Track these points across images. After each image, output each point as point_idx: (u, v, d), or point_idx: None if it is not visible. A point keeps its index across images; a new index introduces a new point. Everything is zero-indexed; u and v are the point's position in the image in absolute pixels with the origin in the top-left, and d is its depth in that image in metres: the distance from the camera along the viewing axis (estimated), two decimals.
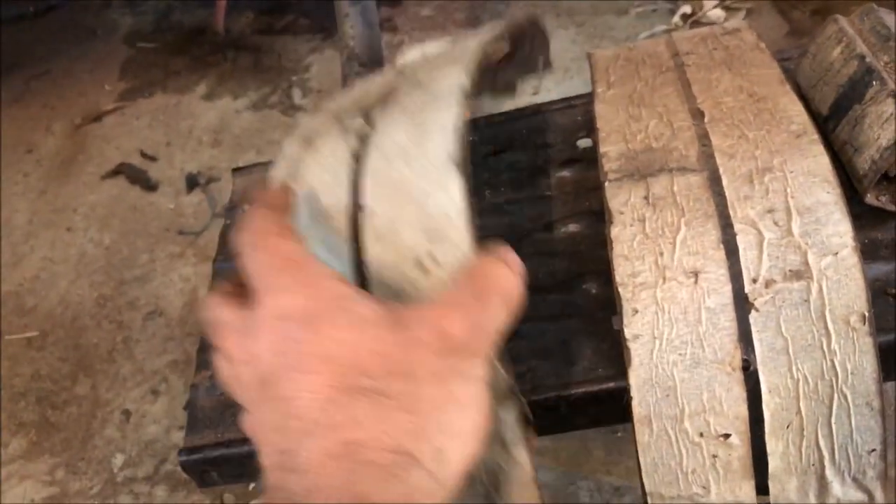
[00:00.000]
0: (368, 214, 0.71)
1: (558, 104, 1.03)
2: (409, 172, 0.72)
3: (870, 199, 0.75)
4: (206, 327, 0.55)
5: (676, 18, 1.94)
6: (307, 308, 0.47)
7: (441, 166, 0.71)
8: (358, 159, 0.76)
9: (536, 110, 1.03)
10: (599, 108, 0.91)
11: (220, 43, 2.70)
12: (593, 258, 0.80)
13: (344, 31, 1.28)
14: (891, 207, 0.75)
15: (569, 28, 2.06)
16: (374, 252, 0.69)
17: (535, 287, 0.84)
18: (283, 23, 2.66)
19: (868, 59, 0.77)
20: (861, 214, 0.77)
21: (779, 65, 0.90)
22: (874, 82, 0.75)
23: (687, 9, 1.94)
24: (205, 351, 0.91)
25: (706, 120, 0.83)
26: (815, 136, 0.77)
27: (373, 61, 1.25)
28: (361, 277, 0.69)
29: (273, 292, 0.49)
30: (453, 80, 0.81)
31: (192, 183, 2.27)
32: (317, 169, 0.79)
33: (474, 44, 0.89)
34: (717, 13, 1.92)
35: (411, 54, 1.17)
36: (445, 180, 0.70)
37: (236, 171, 1.13)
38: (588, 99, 0.96)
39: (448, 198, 0.69)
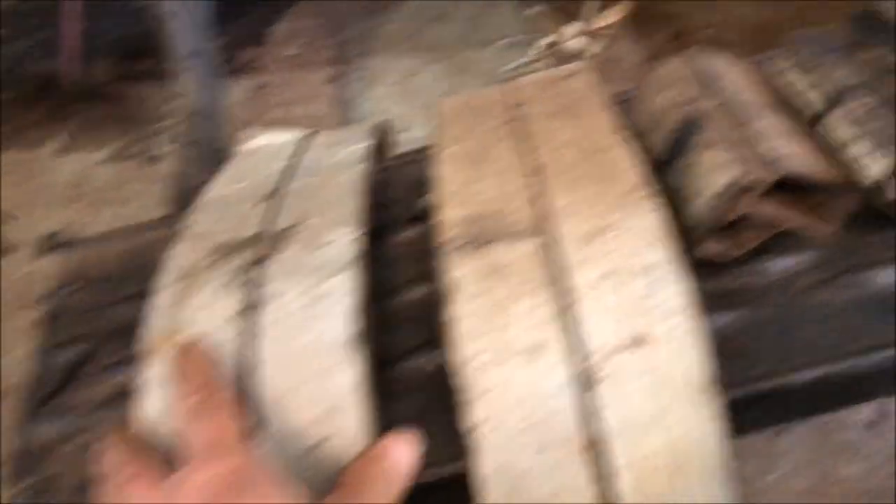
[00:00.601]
0: (261, 387, 0.67)
1: (401, 159, 0.98)
2: (305, 347, 0.69)
3: (705, 249, 0.73)
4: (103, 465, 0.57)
5: (540, 49, 1.94)
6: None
7: (340, 346, 0.69)
8: (246, 318, 0.73)
9: (382, 165, 0.98)
10: (439, 168, 0.86)
11: (75, 91, 2.55)
12: (439, 326, 0.75)
13: (182, 86, 1.20)
14: (727, 256, 0.73)
15: (436, 62, 2.04)
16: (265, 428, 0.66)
17: (377, 362, 0.80)
18: (144, 67, 2.53)
19: (696, 105, 0.76)
20: (701, 264, 0.76)
21: (618, 108, 0.88)
22: (703, 128, 0.74)
23: (549, 39, 1.95)
24: (29, 460, 0.81)
25: (543, 176, 0.80)
26: (650, 191, 0.74)
27: (215, 117, 1.18)
28: None
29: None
30: (346, 242, 0.78)
31: (48, 244, 2.11)
32: (202, 325, 0.73)
33: (360, 179, 0.86)
34: (579, 42, 1.94)
35: (256, 141, 1.12)
36: (344, 361, 0.68)
37: (57, 246, 1.03)
38: (433, 151, 0.92)
39: (347, 380, 0.67)
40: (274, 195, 0.89)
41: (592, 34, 1.96)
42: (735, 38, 1.88)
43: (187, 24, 1.17)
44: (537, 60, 1.91)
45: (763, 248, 0.75)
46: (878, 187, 0.68)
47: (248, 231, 0.83)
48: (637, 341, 0.67)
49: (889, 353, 0.66)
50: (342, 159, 0.94)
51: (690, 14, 1.97)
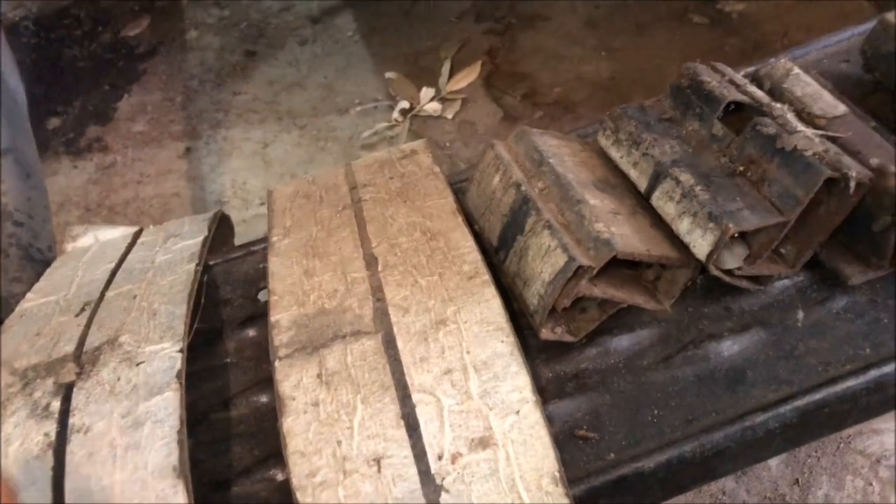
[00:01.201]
0: None
1: (237, 252, 0.93)
2: (124, 479, 0.63)
3: (545, 334, 0.71)
4: None
5: (396, 114, 1.93)
6: None
7: (162, 476, 0.63)
8: (56, 452, 0.66)
9: (213, 261, 0.92)
10: (273, 263, 0.82)
11: None
12: (279, 436, 0.70)
13: None
14: (568, 339, 0.72)
15: (291, 131, 1.99)
16: None
17: (213, 483, 0.73)
18: None
19: (524, 188, 0.75)
20: (544, 347, 0.74)
21: (453, 189, 0.87)
22: (531, 212, 0.73)
23: (405, 104, 1.95)
24: None
25: (380, 267, 0.77)
26: (486, 277, 0.73)
27: (32, 219, 1.08)
28: None
29: None
30: (166, 357, 0.71)
31: None
32: (5, 463, 0.66)
33: (185, 282, 0.79)
34: (434, 106, 1.95)
35: (83, 240, 1.03)
36: (167, 492, 0.62)
37: None
38: (268, 244, 0.87)
39: None
40: (91, 307, 0.81)
41: (446, 98, 1.98)
42: (582, 95, 1.94)
43: None
44: (393, 125, 1.90)
45: (605, 327, 0.74)
46: (706, 261, 0.68)
47: (61, 351, 0.75)
48: (480, 443, 0.64)
49: (737, 426, 0.66)
50: (171, 258, 0.88)
51: (539, 74, 2.03)
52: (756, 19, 2.07)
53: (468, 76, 2.02)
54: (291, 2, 2.38)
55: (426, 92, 1.98)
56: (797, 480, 1.25)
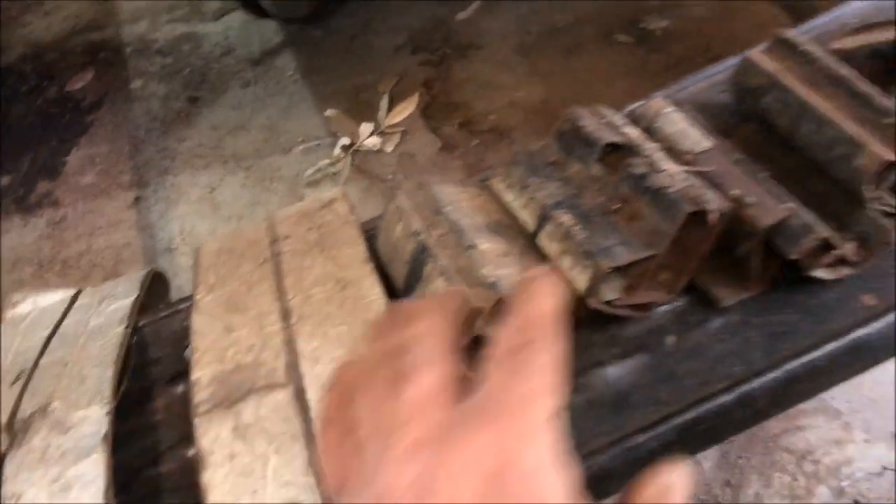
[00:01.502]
0: None
1: (165, 311, 0.97)
2: None
3: None
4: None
5: (337, 150, 1.99)
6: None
7: None
8: None
9: (143, 322, 0.97)
10: (196, 321, 0.87)
11: None
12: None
13: None
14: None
15: (237, 173, 2.04)
16: None
17: None
18: None
19: (422, 236, 0.81)
20: None
21: (367, 238, 0.92)
22: (428, 260, 0.78)
23: (346, 140, 2.01)
24: None
25: (293, 320, 0.82)
26: None
27: None
28: None
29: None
30: (93, 421, 0.75)
31: None
32: None
33: (115, 345, 0.83)
34: (374, 140, 2.01)
35: (22, 307, 1.07)
36: None
37: None
38: (192, 301, 0.92)
39: None
40: (25, 374, 0.85)
41: (385, 132, 2.04)
42: (516, 121, 2.02)
43: None
44: (336, 162, 1.96)
45: None
46: (587, 295, 0.74)
47: None
48: None
49: (621, 447, 0.72)
50: (103, 322, 0.92)
51: (474, 103, 2.10)
52: (679, 35, 2.16)
53: (406, 109, 2.09)
54: (232, 45, 2.44)
55: (365, 127, 2.05)
56: (728, 481, 1.31)
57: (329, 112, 2.09)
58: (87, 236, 1.98)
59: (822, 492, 1.26)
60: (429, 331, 0.47)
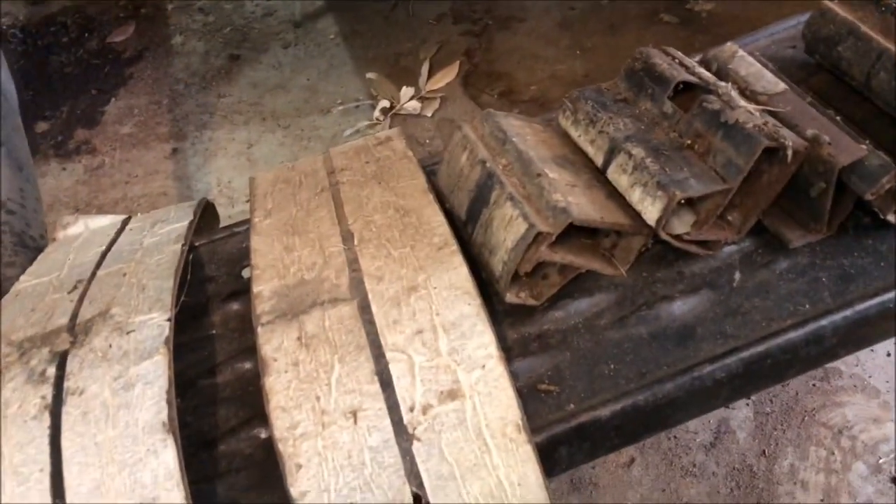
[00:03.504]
0: (72, 485, 0.66)
1: (221, 233, 0.98)
2: (117, 435, 0.68)
3: (510, 297, 0.77)
4: None
5: (377, 113, 1.99)
6: None
7: (152, 431, 0.68)
8: (53, 413, 0.71)
9: (199, 242, 0.97)
10: (255, 241, 0.87)
11: None
12: (262, 399, 0.74)
13: None
14: (531, 302, 0.77)
15: (275, 131, 2.04)
16: None
17: (200, 443, 0.78)
18: None
19: (489, 164, 0.80)
20: (510, 311, 0.79)
21: (426, 171, 0.92)
22: (495, 186, 0.78)
23: (386, 103, 2.00)
24: None
25: (356, 242, 0.82)
26: (455, 247, 0.78)
27: (25, 209, 1.13)
28: None
29: None
30: (154, 326, 0.76)
31: None
32: (4, 425, 0.71)
33: (172, 260, 0.84)
34: (414, 104, 2.01)
35: (73, 228, 1.08)
36: (157, 446, 0.67)
37: None
38: (250, 225, 0.92)
39: (160, 464, 0.66)
40: (83, 284, 0.86)
41: (426, 97, 2.04)
42: (557, 93, 2.01)
43: None
44: (374, 124, 1.96)
45: (566, 291, 0.79)
46: (656, 227, 0.74)
47: (55, 323, 0.80)
48: (449, 395, 0.69)
49: (687, 377, 0.71)
50: (158, 241, 0.92)
51: (515, 73, 2.09)
52: (724, 18, 2.14)
53: (447, 76, 2.08)
54: (274, 7, 2.44)
55: (406, 91, 2.04)
56: (764, 452, 1.30)
57: (370, 74, 2.08)
58: (123, 184, 1.99)
59: (859, 468, 1.25)
60: None
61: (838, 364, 1.38)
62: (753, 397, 1.37)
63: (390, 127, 1.98)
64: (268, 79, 2.22)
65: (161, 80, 2.29)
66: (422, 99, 2.05)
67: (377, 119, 2.00)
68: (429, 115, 2.00)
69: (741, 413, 1.36)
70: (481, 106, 2.03)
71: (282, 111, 2.12)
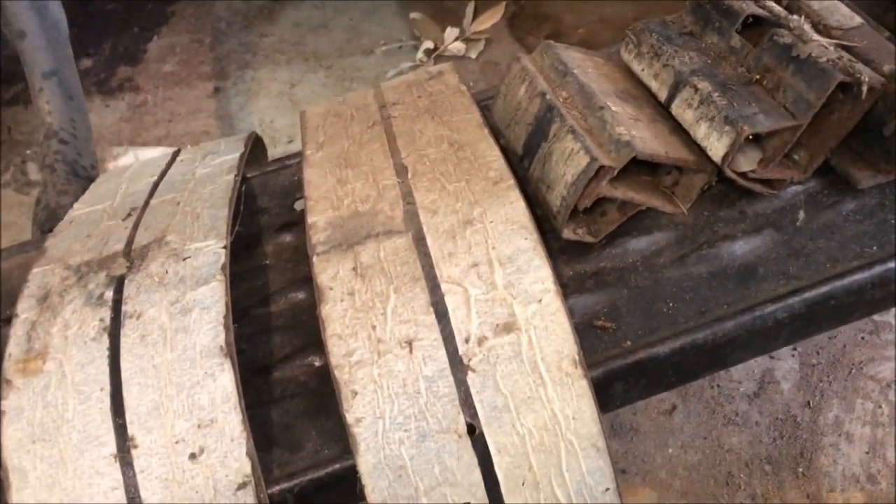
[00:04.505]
0: (132, 404, 0.68)
1: (272, 165, 0.97)
2: (175, 358, 0.69)
3: (567, 233, 0.75)
4: None
5: (420, 54, 1.96)
6: None
7: (209, 355, 0.69)
8: (111, 335, 0.72)
9: (250, 174, 0.97)
10: (308, 173, 0.86)
11: None
12: (316, 328, 0.75)
13: (39, 107, 1.15)
14: (589, 239, 0.76)
15: (318, 72, 2.03)
16: (142, 440, 0.66)
17: (255, 369, 0.79)
18: (12, 93, 2.42)
19: (549, 97, 0.78)
20: (566, 248, 0.78)
21: (479, 107, 0.90)
22: (555, 119, 0.76)
23: (430, 44, 1.97)
24: None
25: (410, 175, 0.81)
26: (512, 182, 0.77)
27: (76, 139, 1.13)
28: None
29: None
30: (210, 252, 0.76)
31: None
32: (65, 345, 0.72)
33: (226, 190, 0.84)
34: (458, 46, 1.97)
35: (124, 159, 1.09)
36: (214, 370, 0.68)
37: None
38: (302, 157, 0.91)
39: (218, 387, 0.68)
40: (137, 212, 0.86)
41: (470, 38, 2.00)
42: (607, 37, 1.96)
43: (38, 45, 1.13)
44: (418, 65, 1.93)
45: (624, 229, 0.78)
46: (722, 163, 0.72)
47: (110, 249, 0.80)
48: (505, 328, 0.68)
49: (747, 316, 0.70)
50: (210, 171, 0.92)
51: (563, 16, 2.04)
52: None
53: (492, 17, 2.04)
54: None
55: (450, 32, 2.00)
56: (808, 403, 1.29)
57: (414, 14, 2.05)
58: (165, 122, 2.00)
59: None
60: None
61: (888, 317, 1.35)
62: (799, 348, 1.35)
63: None
64: (310, 18, 2.20)
65: (203, 19, 2.28)
66: (466, 40, 2.01)
67: (420, 60, 1.98)
68: (473, 56, 1.97)
69: (786, 364, 1.34)
70: (527, 49, 1.98)
71: (324, 51, 2.10)
